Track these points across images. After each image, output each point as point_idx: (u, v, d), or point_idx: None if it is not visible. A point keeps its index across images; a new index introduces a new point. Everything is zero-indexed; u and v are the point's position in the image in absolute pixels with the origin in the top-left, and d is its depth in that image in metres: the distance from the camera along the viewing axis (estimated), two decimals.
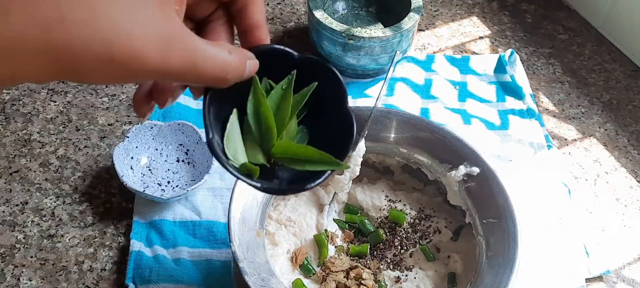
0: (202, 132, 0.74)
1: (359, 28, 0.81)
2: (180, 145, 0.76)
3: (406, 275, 0.62)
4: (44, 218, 0.71)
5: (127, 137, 0.73)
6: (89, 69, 0.27)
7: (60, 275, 0.66)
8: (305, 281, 0.60)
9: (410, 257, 0.64)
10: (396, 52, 0.71)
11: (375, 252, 0.64)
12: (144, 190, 0.69)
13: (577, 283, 0.67)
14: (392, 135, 0.67)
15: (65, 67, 0.27)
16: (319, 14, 0.82)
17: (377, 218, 0.67)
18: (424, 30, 0.98)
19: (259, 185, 0.35)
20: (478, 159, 0.63)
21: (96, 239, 0.69)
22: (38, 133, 0.80)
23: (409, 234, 0.65)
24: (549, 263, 0.68)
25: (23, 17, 0.25)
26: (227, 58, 0.32)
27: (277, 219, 0.64)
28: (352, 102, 0.84)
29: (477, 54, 0.95)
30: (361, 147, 0.64)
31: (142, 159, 0.74)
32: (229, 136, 0.35)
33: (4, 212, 0.71)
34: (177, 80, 0.31)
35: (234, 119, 0.36)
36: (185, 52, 0.30)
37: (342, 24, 0.81)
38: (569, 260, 0.69)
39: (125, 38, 0.27)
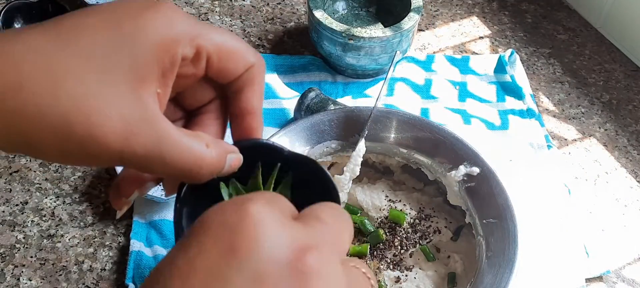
0: None
1: (359, 28, 0.81)
2: None
3: (406, 275, 0.62)
4: (44, 218, 0.71)
5: None
6: (43, 144, 0.25)
7: (60, 275, 0.66)
8: None
9: (410, 257, 0.64)
10: (396, 52, 0.71)
11: (375, 252, 0.64)
12: None
13: (577, 283, 0.67)
14: (392, 135, 0.67)
15: (17, 140, 0.25)
16: (319, 14, 0.82)
17: (377, 219, 0.67)
18: (424, 30, 0.98)
19: None
20: (478, 159, 0.63)
21: (96, 239, 0.69)
22: None
23: (408, 234, 0.65)
24: (549, 263, 0.68)
25: None
26: (201, 151, 0.29)
27: None
28: (352, 102, 0.84)
29: (477, 54, 0.95)
30: (361, 147, 0.64)
31: None
32: None
33: (4, 212, 0.71)
34: (142, 168, 0.28)
35: None
36: (152, 138, 0.27)
37: (342, 24, 0.81)
38: (569, 260, 0.68)
39: (84, 115, 0.25)
